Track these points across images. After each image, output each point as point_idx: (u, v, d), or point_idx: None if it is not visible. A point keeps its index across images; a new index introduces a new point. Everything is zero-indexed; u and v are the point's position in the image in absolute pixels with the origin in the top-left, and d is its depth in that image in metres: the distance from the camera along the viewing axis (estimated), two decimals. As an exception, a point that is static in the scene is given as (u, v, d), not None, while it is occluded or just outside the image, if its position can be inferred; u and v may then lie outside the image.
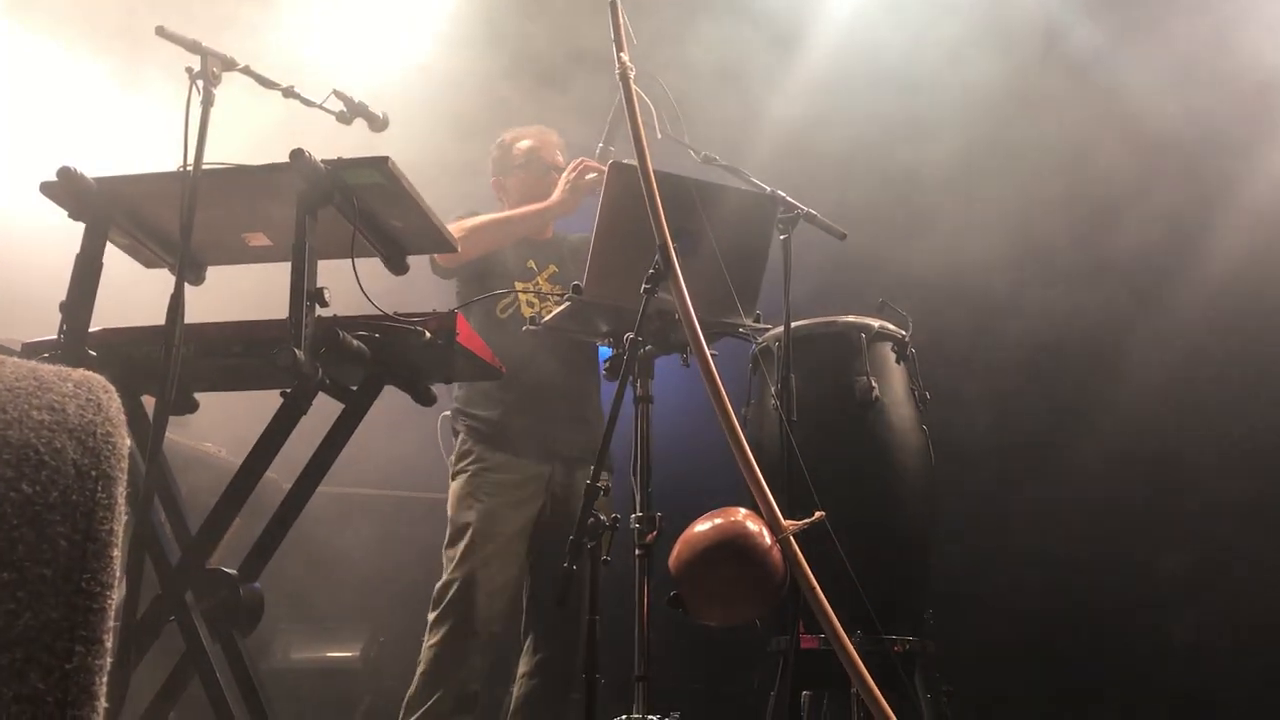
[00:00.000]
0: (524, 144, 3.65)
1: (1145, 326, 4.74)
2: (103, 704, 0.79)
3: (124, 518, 0.83)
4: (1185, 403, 4.64)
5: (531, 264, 3.50)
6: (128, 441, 0.82)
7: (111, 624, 0.78)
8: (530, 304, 3.40)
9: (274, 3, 4.62)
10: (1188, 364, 4.61)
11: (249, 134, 2.90)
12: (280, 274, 2.32)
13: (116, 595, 0.82)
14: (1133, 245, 4.64)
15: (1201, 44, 4.48)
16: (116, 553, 0.79)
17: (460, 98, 4.83)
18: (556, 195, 3.37)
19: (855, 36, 4.91)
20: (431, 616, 3.13)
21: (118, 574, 0.79)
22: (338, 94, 2.76)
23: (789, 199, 2.83)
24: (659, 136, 2.63)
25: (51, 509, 0.76)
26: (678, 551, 2.20)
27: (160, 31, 2.35)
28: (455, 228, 3.21)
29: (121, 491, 0.81)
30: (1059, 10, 4.91)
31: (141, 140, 4.47)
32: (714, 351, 2.44)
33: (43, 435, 0.77)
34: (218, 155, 2.32)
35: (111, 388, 0.85)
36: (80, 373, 0.84)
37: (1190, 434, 4.61)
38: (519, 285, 3.42)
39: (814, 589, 2.10)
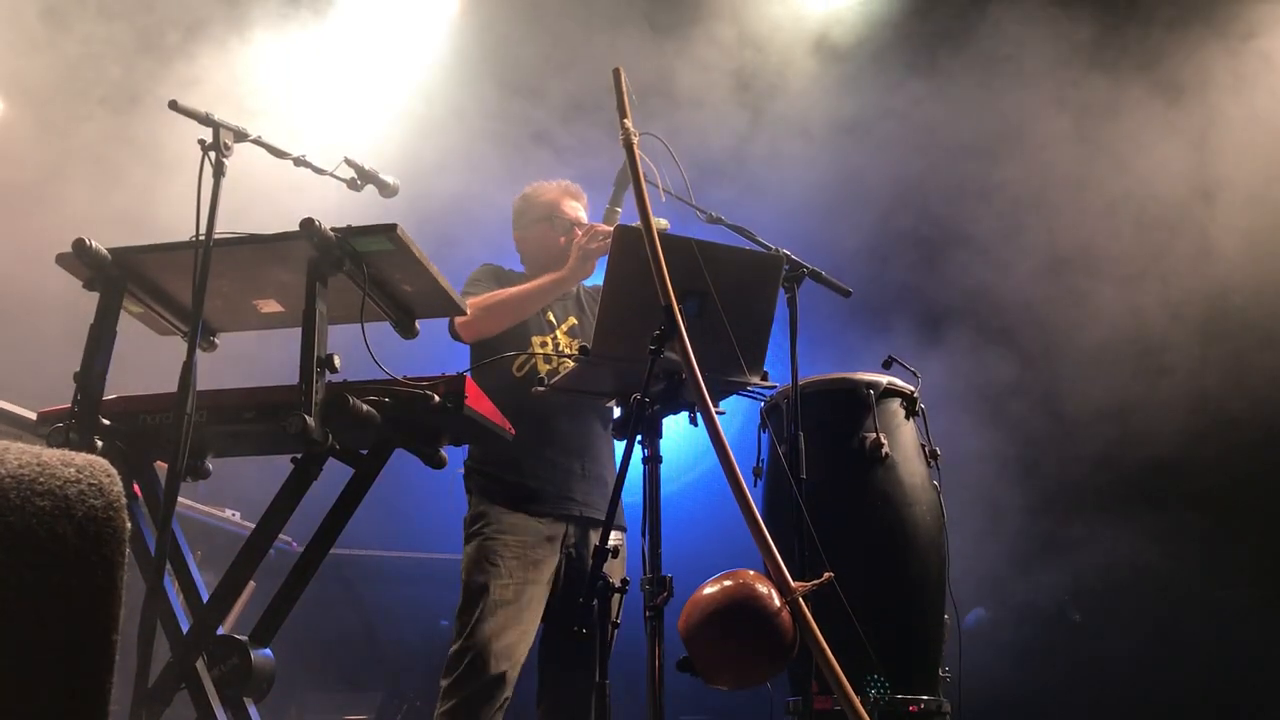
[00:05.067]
0: (545, 199, 3.67)
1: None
2: (102, 787, 0.79)
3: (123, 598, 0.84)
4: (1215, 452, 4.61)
5: (551, 316, 3.51)
6: (129, 525, 0.83)
7: (110, 708, 0.79)
8: (548, 360, 3.40)
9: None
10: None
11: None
12: (290, 338, 2.35)
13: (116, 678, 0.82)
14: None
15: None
16: (116, 636, 0.80)
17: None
18: (570, 264, 3.34)
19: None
20: (445, 683, 3.09)
21: (116, 657, 0.80)
22: (349, 162, 2.79)
23: (794, 257, 2.85)
24: (663, 200, 2.65)
25: (53, 595, 0.77)
26: (686, 614, 2.19)
27: (174, 106, 2.40)
28: (471, 304, 3.24)
29: (122, 576, 0.81)
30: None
31: (156, 207, 4.56)
32: (721, 410, 2.44)
33: (44, 521, 0.78)
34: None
35: (114, 471, 0.86)
36: (84, 457, 0.85)
37: (1230, 487, 4.58)
38: (536, 340, 3.42)
39: (823, 651, 2.08)
